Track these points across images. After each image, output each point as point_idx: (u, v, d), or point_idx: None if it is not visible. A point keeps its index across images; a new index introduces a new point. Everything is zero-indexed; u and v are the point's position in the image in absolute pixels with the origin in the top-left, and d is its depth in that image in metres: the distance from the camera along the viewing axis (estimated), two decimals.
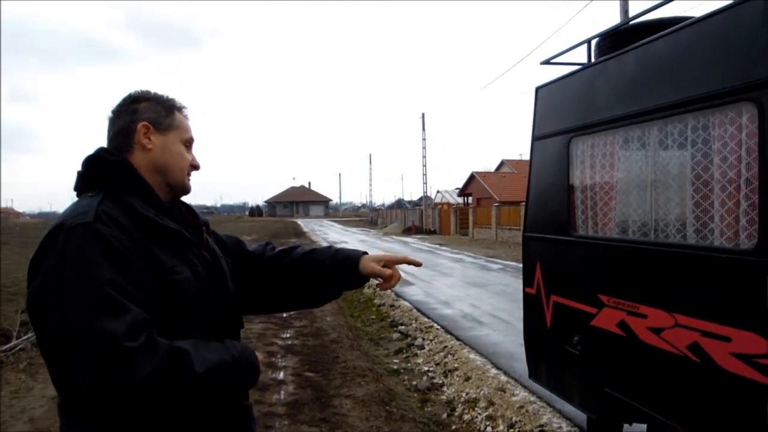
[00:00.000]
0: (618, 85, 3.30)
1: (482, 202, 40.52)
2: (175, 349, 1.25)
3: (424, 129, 44.88)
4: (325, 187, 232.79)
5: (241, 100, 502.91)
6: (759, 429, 2.31)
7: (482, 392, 5.53)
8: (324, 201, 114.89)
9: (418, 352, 7.49)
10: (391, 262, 1.71)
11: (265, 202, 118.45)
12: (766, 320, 2.26)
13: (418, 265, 1.78)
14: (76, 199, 1.42)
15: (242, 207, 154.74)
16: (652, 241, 3.03)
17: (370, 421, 4.78)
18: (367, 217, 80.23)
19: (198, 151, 1.59)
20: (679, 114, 2.80)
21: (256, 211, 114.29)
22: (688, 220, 2.80)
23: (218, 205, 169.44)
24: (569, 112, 3.83)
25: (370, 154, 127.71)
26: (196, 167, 1.56)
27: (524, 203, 4.50)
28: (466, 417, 5.15)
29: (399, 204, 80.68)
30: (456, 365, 6.56)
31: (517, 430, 4.67)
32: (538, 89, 4.22)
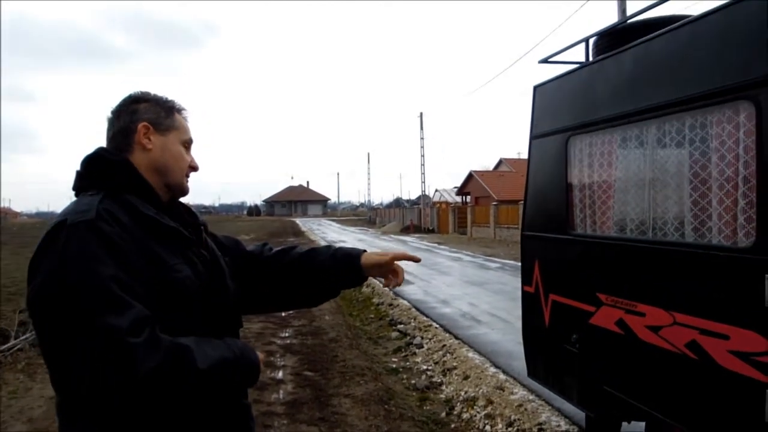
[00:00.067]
0: (616, 83, 3.31)
1: (480, 201, 40.49)
2: (177, 346, 1.25)
3: (422, 128, 45.09)
4: (323, 187, 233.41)
5: (239, 100, 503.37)
6: (757, 426, 2.32)
7: (481, 391, 5.53)
8: (322, 200, 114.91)
9: (417, 350, 7.49)
10: (391, 258, 1.75)
11: (264, 201, 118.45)
12: (764, 318, 2.27)
13: (417, 261, 1.83)
14: (74, 198, 1.42)
15: (240, 206, 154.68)
16: (651, 240, 3.03)
17: (369, 420, 4.79)
18: (366, 216, 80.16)
19: (196, 151, 1.60)
20: (677, 112, 2.80)
21: (254, 211, 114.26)
22: (686, 219, 2.81)
23: (216, 204, 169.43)
24: (567, 110, 3.84)
25: (369, 154, 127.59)
26: (194, 168, 1.57)
27: (522, 202, 4.51)
28: (464, 415, 5.15)
29: (397, 203, 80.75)
30: (455, 364, 6.56)
31: (515, 428, 4.67)
32: (536, 88, 4.22)
